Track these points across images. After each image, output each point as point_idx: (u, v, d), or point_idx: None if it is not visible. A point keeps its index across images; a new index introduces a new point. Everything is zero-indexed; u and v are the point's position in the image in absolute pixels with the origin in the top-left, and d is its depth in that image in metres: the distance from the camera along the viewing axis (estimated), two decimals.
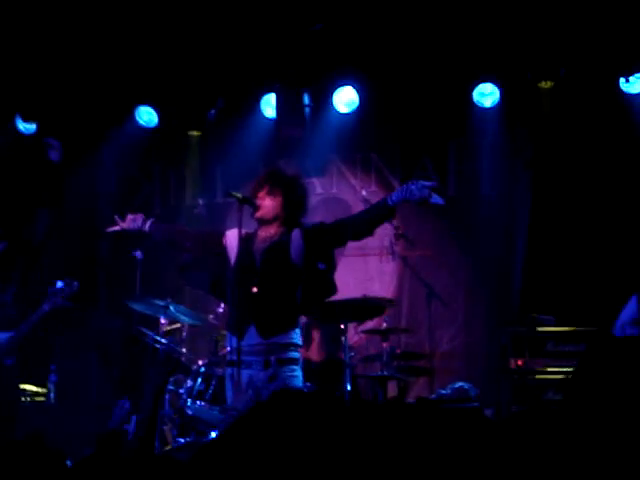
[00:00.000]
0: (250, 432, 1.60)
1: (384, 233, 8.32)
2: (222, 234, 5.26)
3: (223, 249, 5.16)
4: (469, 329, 8.42)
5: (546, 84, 8.09)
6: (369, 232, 5.13)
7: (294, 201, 5.14)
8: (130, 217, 5.40)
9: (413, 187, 4.90)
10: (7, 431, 6.56)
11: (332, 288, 5.19)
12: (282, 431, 1.59)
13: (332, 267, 5.16)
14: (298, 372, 4.98)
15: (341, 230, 5.10)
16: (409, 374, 7.79)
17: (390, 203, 4.96)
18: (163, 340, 7.04)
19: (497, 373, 7.39)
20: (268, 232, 5.12)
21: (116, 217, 5.42)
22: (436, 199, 4.90)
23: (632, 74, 7.68)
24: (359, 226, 5.10)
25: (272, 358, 4.89)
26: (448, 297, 8.09)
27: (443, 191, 5.02)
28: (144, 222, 5.35)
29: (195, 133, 9.26)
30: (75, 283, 6.67)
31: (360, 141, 8.90)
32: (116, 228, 5.41)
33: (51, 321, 6.99)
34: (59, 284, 6.59)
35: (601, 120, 7.95)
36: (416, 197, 4.88)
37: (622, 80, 7.77)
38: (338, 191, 9.04)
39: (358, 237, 5.25)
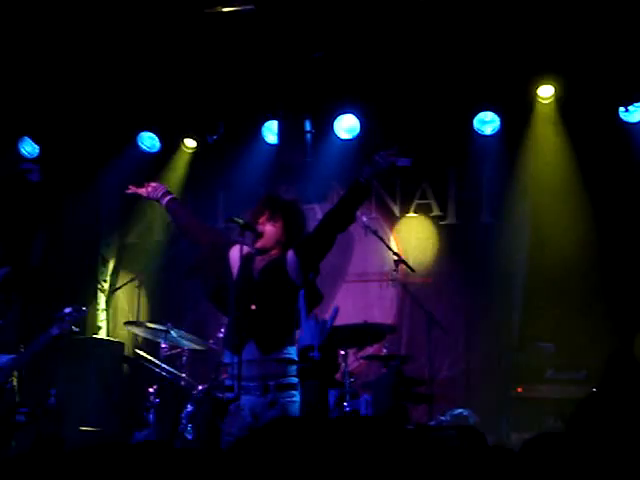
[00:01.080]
0: (247, 457, 1.62)
1: (384, 259, 8.36)
2: (230, 243, 5.28)
3: (228, 259, 5.18)
4: (469, 356, 8.41)
5: (546, 103, 8.12)
6: (351, 218, 5.08)
7: (294, 227, 5.17)
8: (153, 185, 5.46)
9: (377, 157, 4.96)
10: (3, 453, 6.53)
11: (319, 297, 5.15)
12: (279, 458, 1.61)
13: (317, 274, 5.15)
14: (297, 397, 4.98)
15: (325, 230, 5.09)
16: (408, 401, 7.77)
17: (362, 181, 4.99)
18: (164, 365, 7.05)
19: (497, 400, 7.39)
20: (268, 252, 5.16)
21: (130, 186, 5.48)
22: (403, 162, 4.93)
23: (631, 103, 7.73)
24: (339, 215, 5.07)
25: (271, 383, 4.89)
26: (448, 324, 8.08)
27: (408, 152, 5.01)
28: (164, 195, 5.41)
29: (189, 148, 9.24)
30: (84, 309, 6.67)
31: (361, 167, 8.91)
32: (137, 191, 5.45)
33: (54, 347, 6.98)
34: (67, 309, 6.59)
35: (601, 149, 7.99)
36: (383, 166, 4.92)
37: (622, 109, 7.81)
38: None
39: (343, 227, 5.16)
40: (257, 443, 1.59)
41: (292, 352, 5.00)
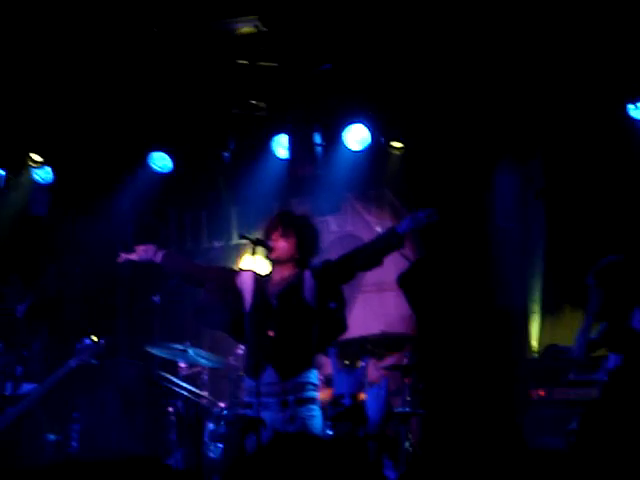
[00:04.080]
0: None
1: (400, 267, 8.33)
2: (236, 273, 5.29)
3: (237, 289, 5.17)
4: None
5: None
6: (378, 262, 5.13)
7: (307, 242, 5.17)
8: (142, 248, 5.42)
9: (421, 215, 4.97)
10: None
11: (343, 326, 5.17)
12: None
13: (342, 305, 5.16)
14: (317, 412, 4.97)
15: (348, 265, 5.11)
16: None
17: (400, 232, 5.00)
18: (184, 384, 7.05)
19: (519, 404, 7.34)
20: (282, 274, 5.14)
21: (121, 253, 5.45)
22: (433, 219, 5.00)
23: None
24: (367, 258, 5.11)
25: (290, 398, 4.88)
26: None
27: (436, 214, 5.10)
28: (156, 253, 5.37)
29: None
30: (102, 341, 6.64)
31: (373, 177, 8.91)
32: (129, 257, 5.43)
33: (76, 376, 6.98)
34: (87, 341, 6.57)
35: (611, 146, 7.93)
36: (424, 223, 4.95)
37: (631, 106, 7.76)
38: (353, 228, 9.03)
39: (367, 268, 5.24)
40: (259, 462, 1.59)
41: (311, 376, 4.99)
